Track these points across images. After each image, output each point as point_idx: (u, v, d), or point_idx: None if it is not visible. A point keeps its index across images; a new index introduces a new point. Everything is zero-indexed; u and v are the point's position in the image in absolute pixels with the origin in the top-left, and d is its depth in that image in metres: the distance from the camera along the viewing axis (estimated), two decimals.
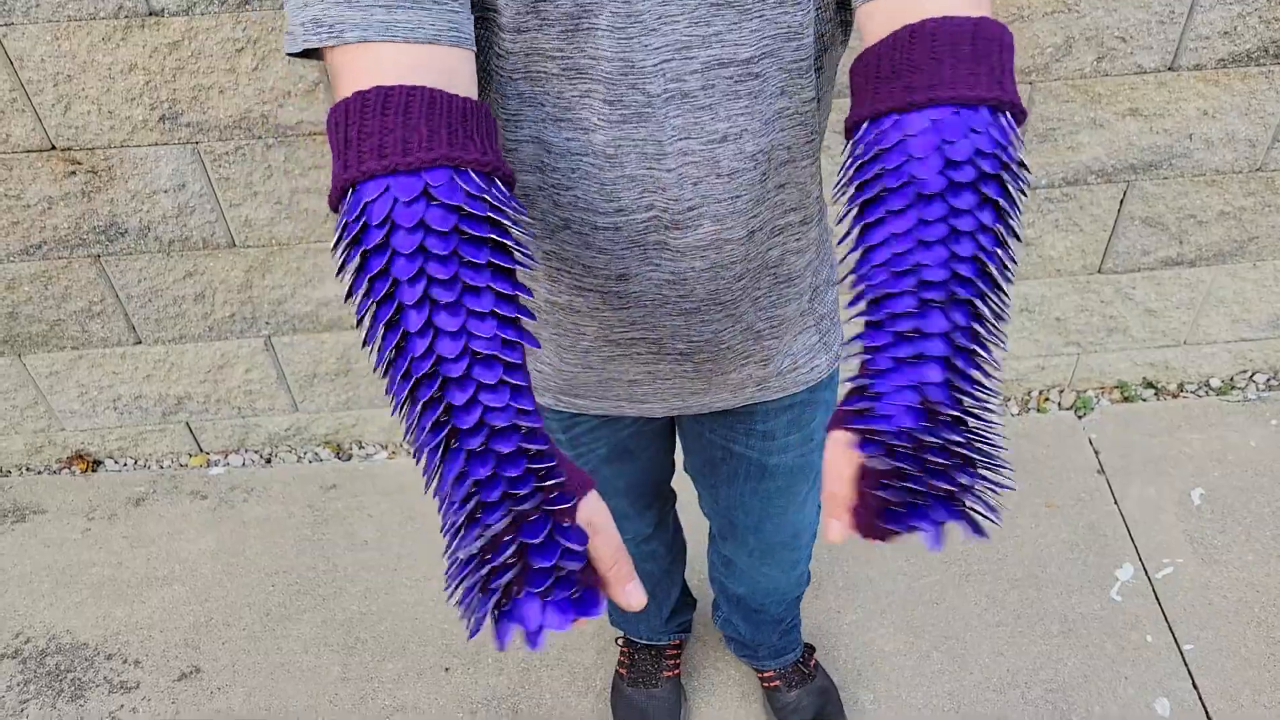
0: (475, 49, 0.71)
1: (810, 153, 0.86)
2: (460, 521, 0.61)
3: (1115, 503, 1.95)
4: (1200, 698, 1.67)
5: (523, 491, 0.62)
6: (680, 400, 1.04)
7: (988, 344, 0.64)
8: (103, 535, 2.00)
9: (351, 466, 2.10)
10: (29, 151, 1.62)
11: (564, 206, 0.83)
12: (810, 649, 1.68)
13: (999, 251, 0.64)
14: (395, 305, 0.62)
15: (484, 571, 0.60)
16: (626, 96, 0.76)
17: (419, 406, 0.62)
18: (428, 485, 0.63)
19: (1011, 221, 0.64)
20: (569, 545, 0.61)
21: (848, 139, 0.70)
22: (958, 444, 0.62)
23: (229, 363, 1.97)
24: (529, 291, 0.67)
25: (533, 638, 0.60)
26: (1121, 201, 1.85)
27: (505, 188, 0.67)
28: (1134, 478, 1.98)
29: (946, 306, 0.63)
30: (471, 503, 0.61)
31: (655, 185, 0.81)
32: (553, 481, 0.63)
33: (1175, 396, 2.15)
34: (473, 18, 0.71)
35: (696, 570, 1.88)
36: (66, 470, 2.13)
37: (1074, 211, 1.85)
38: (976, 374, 0.63)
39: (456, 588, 0.61)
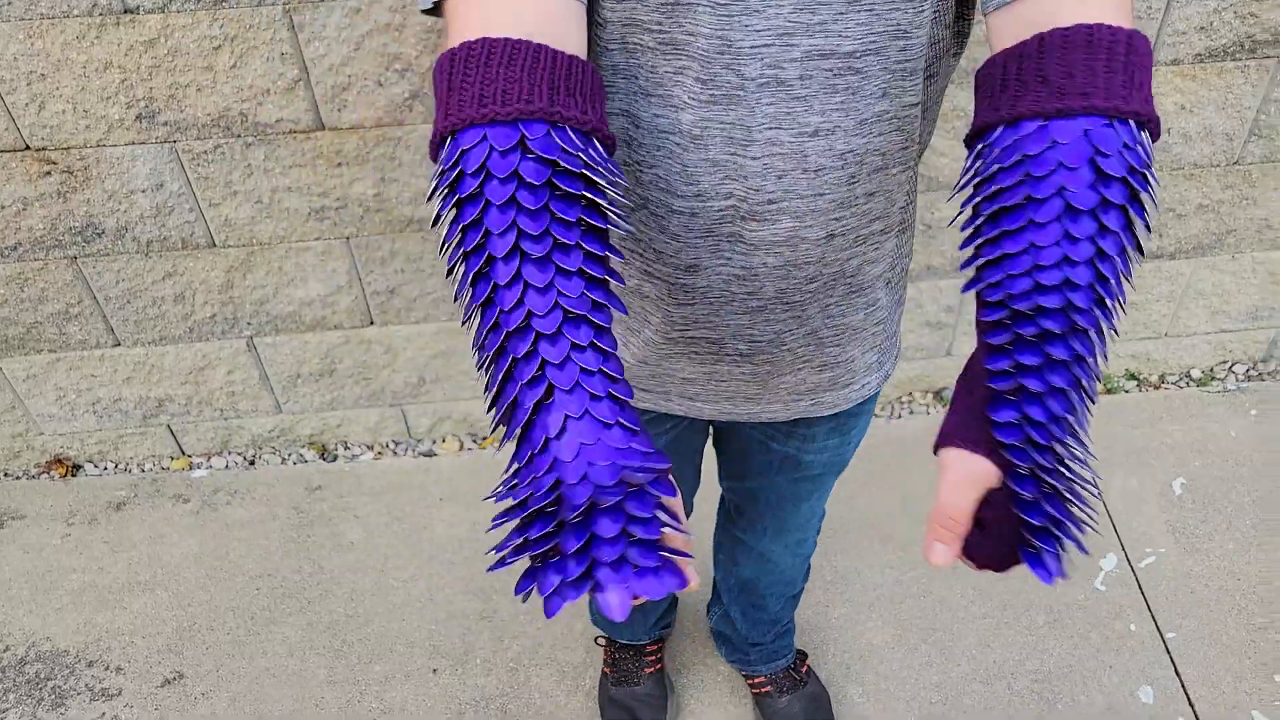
0: (585, 5, 0.71)
1: (904, 161, 0.84)
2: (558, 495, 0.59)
3: (1099, 493, 1.96)
4: (1183, 685, 1.69)
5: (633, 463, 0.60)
6: (732, 404, 1.01)
7: (1096, 376, 0.65)
8: (83, 540, 1.98)
9: (337, 467, 2.08)
10: (3, 151, 1.60)
11: (644, 185, 0.82)
12: (803, 655, 1.68)
13: (1125, 277, 0.64)
14: (485, 256, 0.62)
15: (576, 544, 0.57)
16: (720, 77, 0.74)
17: (511, 359, 0.61)
18: (508, 434, 0.62)
19: (1141, 244, 0.64)
20: (668, 522, 0.60)
21: (972, 143, 0.69)
22: (1071, 478, 0.62)
23: (210, 364, 1.95)
24: (620, 254, 0.66)
25: (617, 607, 0.58)
26: None
27: (604, 149, 0.66)
28: (1117, 469, 2.00)
29: (1075, 334, 0.62)
30: (577, 481, 0.59)
31: (738, 173, 0.78)
32: (656, 461, 0.61)
33: (1157, 388, 2.17)
34: None
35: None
36: (45, 475, 2.10)
37: None
38: (1090, 407, 0.64)
39: (525, 552, 0.59)
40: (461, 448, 2.11)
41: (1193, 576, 1.83)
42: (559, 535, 0.58)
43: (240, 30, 1.49)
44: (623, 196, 0.68)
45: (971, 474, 0.66)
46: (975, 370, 0.68)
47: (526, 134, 0.63)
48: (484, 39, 0.64)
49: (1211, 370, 2.19)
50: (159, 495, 2.05)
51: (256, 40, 1.50)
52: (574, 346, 0.61)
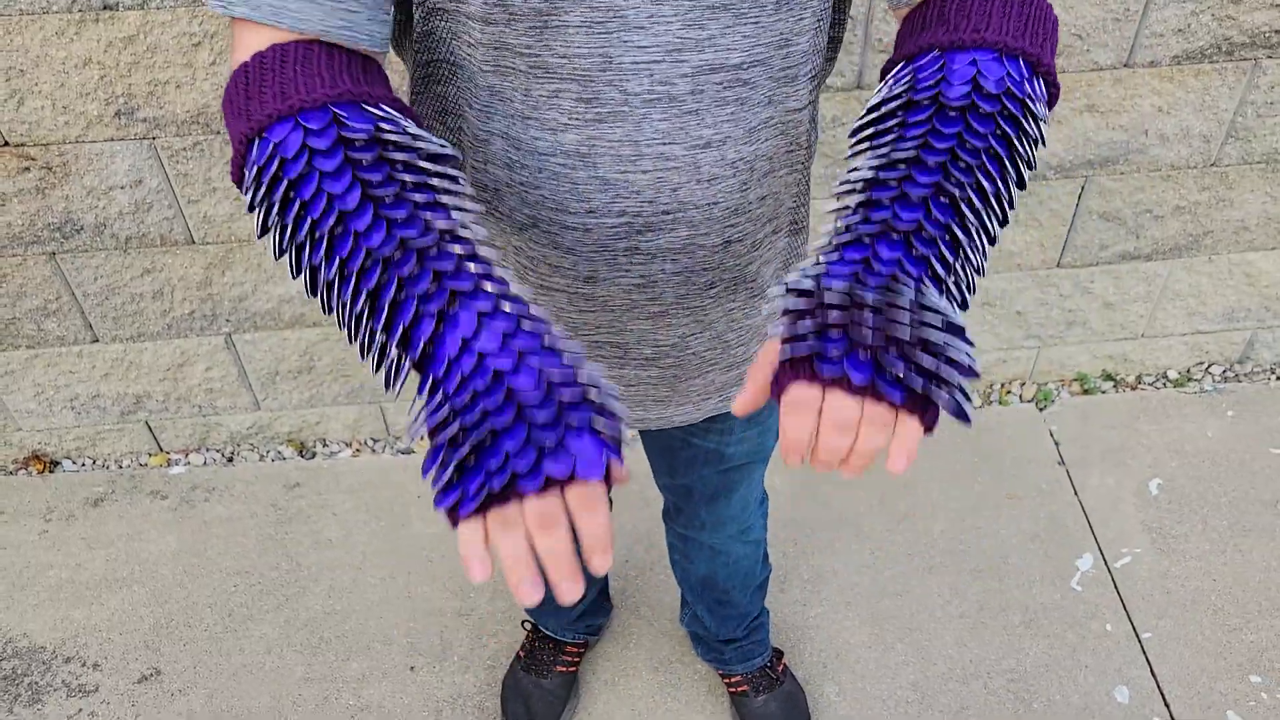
0: (379, 48, 0.71)
1: (790, 164, 0.85)
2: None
3: (1075, 494, 1.97)
4: (1158, 685, 1.70)
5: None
6: (643, 410, 1.02)
7: (961, 255, 0.63)
8: (60, 536, 1.97)
9: (315, 465, 2.08)
10: None
11: (532, 205, 0.82)
12: (779, 654, 1.68)
13: (999, 185, 0.65)
14: (336, 215, 0.60)
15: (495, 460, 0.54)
16: (603, 94, 0.74)
17: (393, 286, 0.59)
18: (409, 360, 0.59)
19: (1020, 164, 0.66)
20: (605, 399, 0.57)
21: (882, 80, 0.73)
22: (902, 315, 0.58)
23: (189, 361, 1.95)
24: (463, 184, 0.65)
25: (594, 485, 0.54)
26: (1079, 197, 1.87)
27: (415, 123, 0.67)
28: (1093, 469, 2.01)
29: (928, 210, 0.63)
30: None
31: (629, 189, 0.79)
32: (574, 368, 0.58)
33: (1134, 388, 2.18)
34: (386, 17, 0.71)
35: (648, 573, 1.89)
36: (23, 471, 2.09)
37: (1033, 207, 1.88)
38: (939, 269, 0.62)
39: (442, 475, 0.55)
40: None
41: (1169, 577, 1.84)
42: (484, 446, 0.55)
43: (220, 27, 1.49)
44: (454, 169, 0.66)
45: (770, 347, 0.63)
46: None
47: (339, 113, 0.63)
48: (274, 46, 0.65)
49: (1188, 371, 2.20)
50: (137, 492, 2.05)
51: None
52: (461, 256, 0.60)
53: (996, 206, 0.65)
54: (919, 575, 1.86)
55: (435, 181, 0.63)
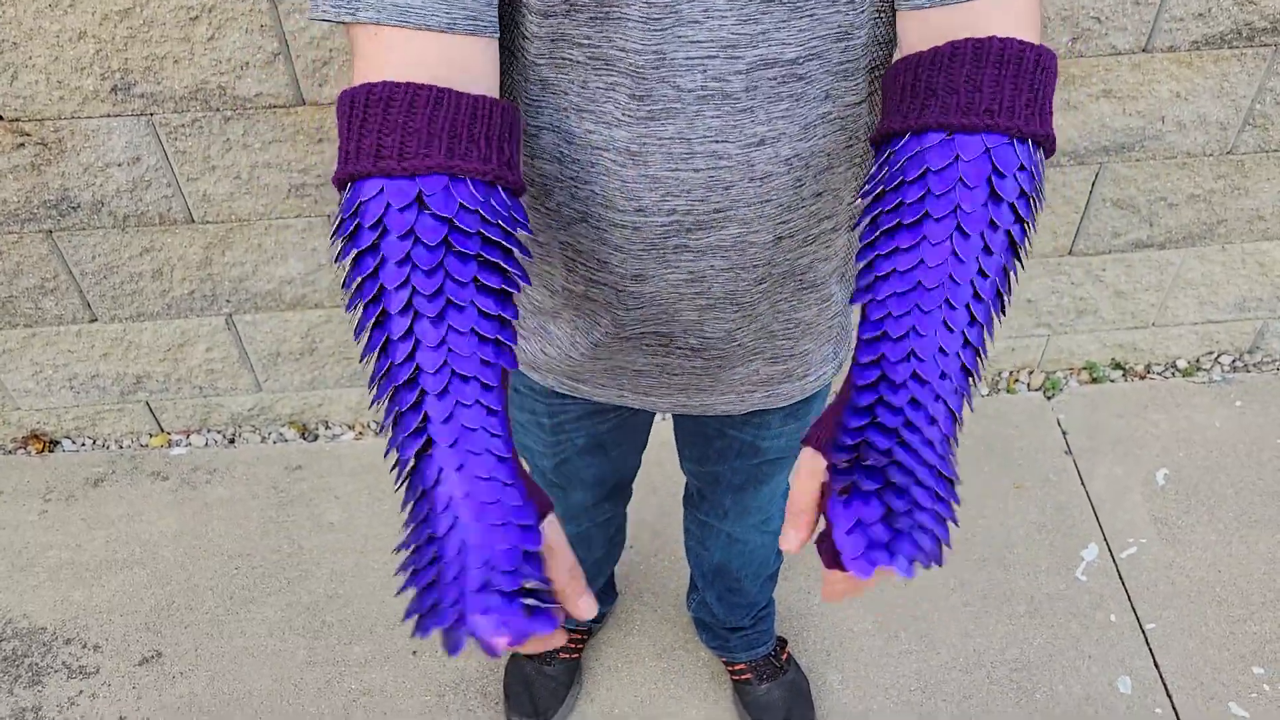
0: (498, 34, 0.69)
1: (850, 159, 0.83)
2: (423, 538, 0.62)
3: (1082, 483, 1.96)
4: (1161, 676, 1.70)
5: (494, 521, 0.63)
6: (685, 397, 1.01)
7: (973, 379, 0.66)
8: (60, 517, 1.96)
9: (317, 447, 2.07)
10: None
11: (582, 200, 0.80)
12: (783, 642, 1.68)
13: (1003, 293, 0.66)
14: (380, 309, 0.63)
15: (441, 584, 0.60)
16: (655, 91, 0.72)
17: (395, 411, 0.63)
18: (397, 482, 0.65)
19: (1019, 264, 0.66)
20: (532, 580, 0.62)
21: (878, 146, 0.69)
22: (930, 463, 0.63)
23: (189, 341, 1.92)
24: (515, 312, 0.67)
25: (490, 648, 0.59)
26: (1093, 184, 1.84)
27: (509, 197, 0.67)
28: (1101, 458, 2.00)
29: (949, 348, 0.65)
30: (436, 522, 0.62)
31: (680, 188, 0.77)
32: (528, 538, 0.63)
33: (1142, 378, 2.16)
34: (496, 2, 0.68)
35: (655, 561, 1.88)
36: (22, 450, 2.08)
37: (1047, 193, 1.85)
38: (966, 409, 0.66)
39: (413, 591, 0.62)
40: None
41: (1174, 567, 1.84)
42: (438, 583, 0.61)
43: (218, 1, 1.45)
44: (521, 249, 0.68)
45: (814, 470, 0.69)
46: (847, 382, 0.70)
47: (424, 189, 0.63)
48: (385, 83, 0.64)
49: (1197, 361, 2.18)
50: (137, 472, 2.03)
51: (235, 11, 1.46)
52: (459, 404, 0.63)
53: (999, 314, 0.67)
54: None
55: (479, 302, 0.64)
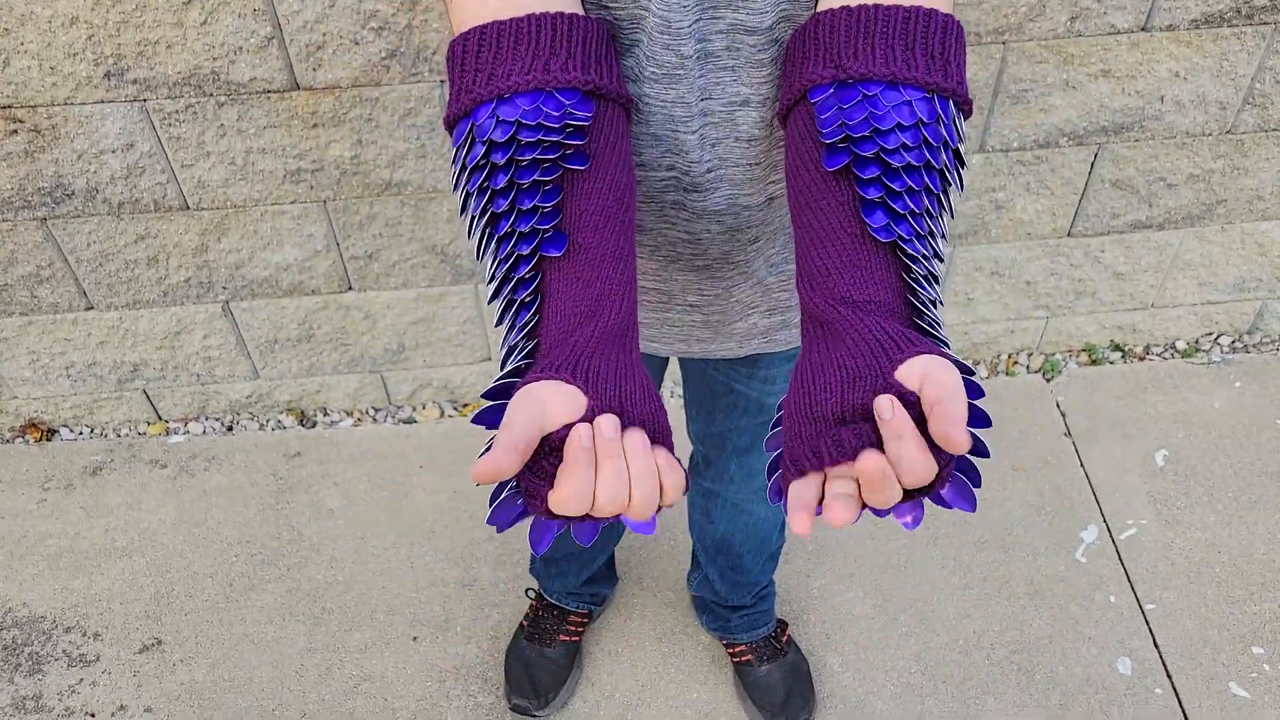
0: None
1: None
2: None
3: (1081, 465, 1.96)
4: (1161, 657, 1.70)
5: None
6: (686, 345, 1.06)
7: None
8: (59, 505, 1.96)
9: (316, 434, 2.06)
10: None
11: None
12: (783, 624, 1.68)
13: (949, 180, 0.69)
14: (489, 194, 0.69)
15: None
16: (660, 56, 0.77)
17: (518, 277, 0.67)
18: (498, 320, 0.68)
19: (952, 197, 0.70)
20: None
21: (800, 91, 0.72)
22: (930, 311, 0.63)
23: (186, 328, 1.92)
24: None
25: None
26: (1092, 164, 1.83)
27: (585, 102, 0.71)
28: (1100, 440, 2.00)
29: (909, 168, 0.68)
30: None
31: (678, 147, 0.81)
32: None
33: (1141, 359, 2.16)
34: None
35: (646, 550, 1.88)
36: (20, 439, 2.07)
37: (1045, 174, 1.84)
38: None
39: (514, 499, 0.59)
40: (442, 415, 2.09)
41: (1173, 549, 1.84)
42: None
43: None
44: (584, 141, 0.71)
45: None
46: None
47: (523, 104, 0.69)
48: (478, 29, 0.70)
49: (1196, 342, 2.18)
50: (136, 460, 2.03)
51: None
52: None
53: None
54: (923, 547, 1.85)
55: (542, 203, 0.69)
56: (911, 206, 0.66)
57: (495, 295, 0.67)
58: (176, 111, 1.58)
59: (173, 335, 1.93)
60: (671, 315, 1.01)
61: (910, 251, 0.64)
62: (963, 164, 0.71)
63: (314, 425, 2.08)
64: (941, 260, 0.68)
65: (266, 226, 1.76)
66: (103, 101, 1.56)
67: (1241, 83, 1.73)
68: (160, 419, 2.10)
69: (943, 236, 0.68)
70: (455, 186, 0.71)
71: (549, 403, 0.56)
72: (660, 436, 0.58)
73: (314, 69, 1.55)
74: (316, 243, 1.79)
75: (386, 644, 1.74)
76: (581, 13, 0.72)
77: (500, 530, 0.57)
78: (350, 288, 1.88)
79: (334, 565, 1.85)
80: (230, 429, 2.08)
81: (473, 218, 0.70)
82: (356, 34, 1.51)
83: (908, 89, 0.67)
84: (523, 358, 0.63)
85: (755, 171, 0.84)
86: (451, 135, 0.72)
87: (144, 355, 1.96)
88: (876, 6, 0.68)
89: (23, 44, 1.48)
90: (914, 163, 0.66)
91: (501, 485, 0.58)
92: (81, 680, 1.71)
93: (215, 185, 1.69)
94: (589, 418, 0.56)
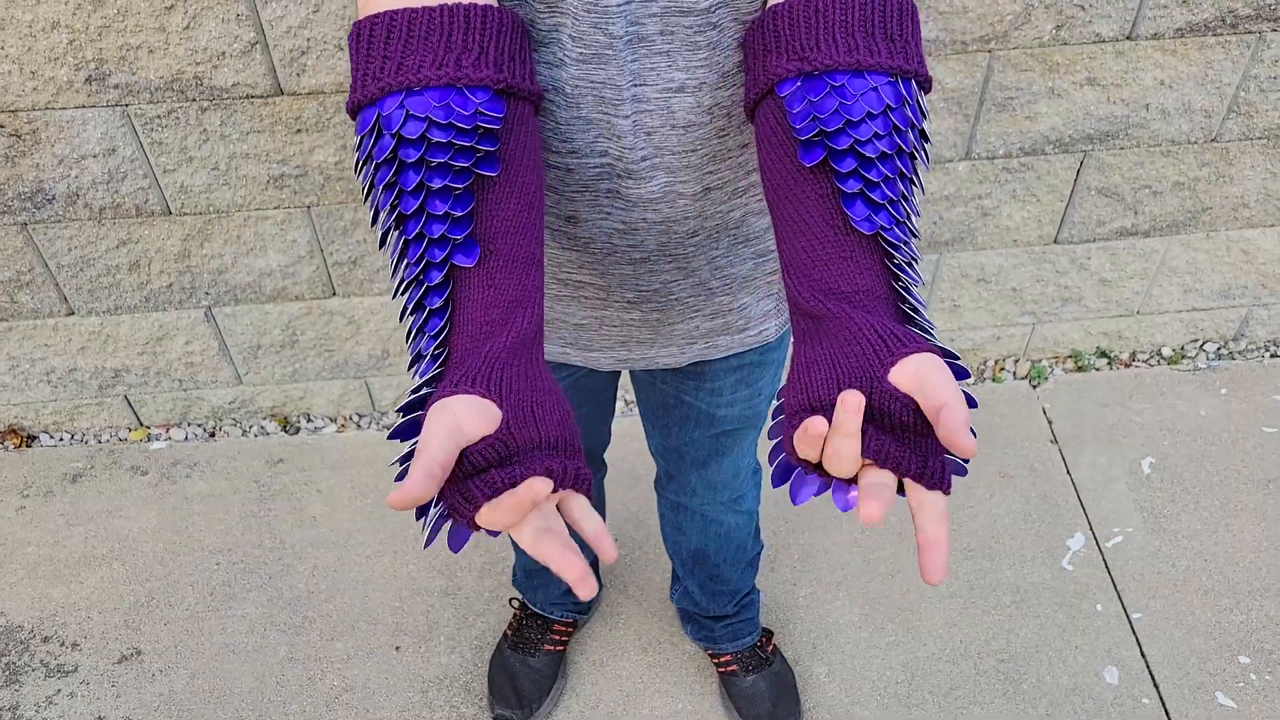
0: None
1: None
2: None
3: (1068, 472, 1.96)
4: (1148, 665, 1.69)
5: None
6: (626, 350, 1.03)
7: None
8: (38, 513, 1.93)
9: (299, 440, 2.05)
10: None
11: None
12: (768, 633, 1.67)
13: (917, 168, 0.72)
14: (397, 200, 0.69)
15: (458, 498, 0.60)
16: (588, 36, 0.75)
17: (425, 259, 0.68)
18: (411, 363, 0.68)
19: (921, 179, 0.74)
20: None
21: (764, 86, 0.72)
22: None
23: (168, 334, 1.90)
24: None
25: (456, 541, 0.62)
26: (1078, 172, 1.84)
27: (508, 99, 0.72)
28: (1086, 447, 2.00)
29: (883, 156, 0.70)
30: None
31: (610, 132, 0.79)
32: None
33: (1128, 366, 2.16)
34: None
35: (641, 557, 1.87)
36: (0, 445, 2.05)
37: (1031, 182, 1.84)
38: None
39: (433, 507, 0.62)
40: None
41: (1160, 556, 1.83)
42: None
43: None
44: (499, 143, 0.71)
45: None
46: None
47: (433, 100, 0.68)
48: (387, 14, 0.68)
49: (1182, 349, 2.18)
50: (116, 467, 2.01)
51: (210, 1, 1.44)
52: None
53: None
54: (910, 555, 1.84)
55: (454, 211, 0.69)
56: (889, 194, 0.67)
57: (404, 296, 0.68)
58: (159, 116, 1.57)
59: (155, 341, 1.91)
60: (609, 314, 0.98)
61: (890, 239, 0.66)
62: (927, 140, 0.73)
63: (297, 431, 2.07)
64: (918, 238, 0.70)
65: (249, 232, 1.74)
66: (84, 106, 1.54)
67: (1226, 91, 1.74)
68: (142, 425, 2.08)
69: (917, 215, 0.71)
70: (358, 172, 0.71)
71: (463, 417, 0.57)
72: (572, 455, 0.61)
73: (298, 74, 1.54)
74: (300, 248, 1.78)
75: (369, 653, 1.73)
76: (495, 2, 0.71)
77: (428, 545, 0.59)
78: (334, 293, 1.87)
79: (316, 574, 1.83)
80: (213, 435, 2.06)
81: (376, 208, 0.69)
82: (341, 39, 1.50)
83: (873, 75, 0.68)
84: (436, 367, 0.64)
85: (692, 159, 0.82)
86: (355, 121, 0.71)
87: (125, 361, 1.94)
88: None
89: (3, 48, 1.46)
90: (886, 150, 0.68)
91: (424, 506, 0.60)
92: (59, 691, 1.69)
93: (198, 190, 1.67)
94: (503, 431, 0.58)
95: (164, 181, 1.66)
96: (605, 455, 1.66)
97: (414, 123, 0.67)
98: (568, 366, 1.13)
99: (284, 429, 2.07)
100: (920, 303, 0.65)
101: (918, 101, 0.71)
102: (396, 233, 0.69)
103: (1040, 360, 2.17)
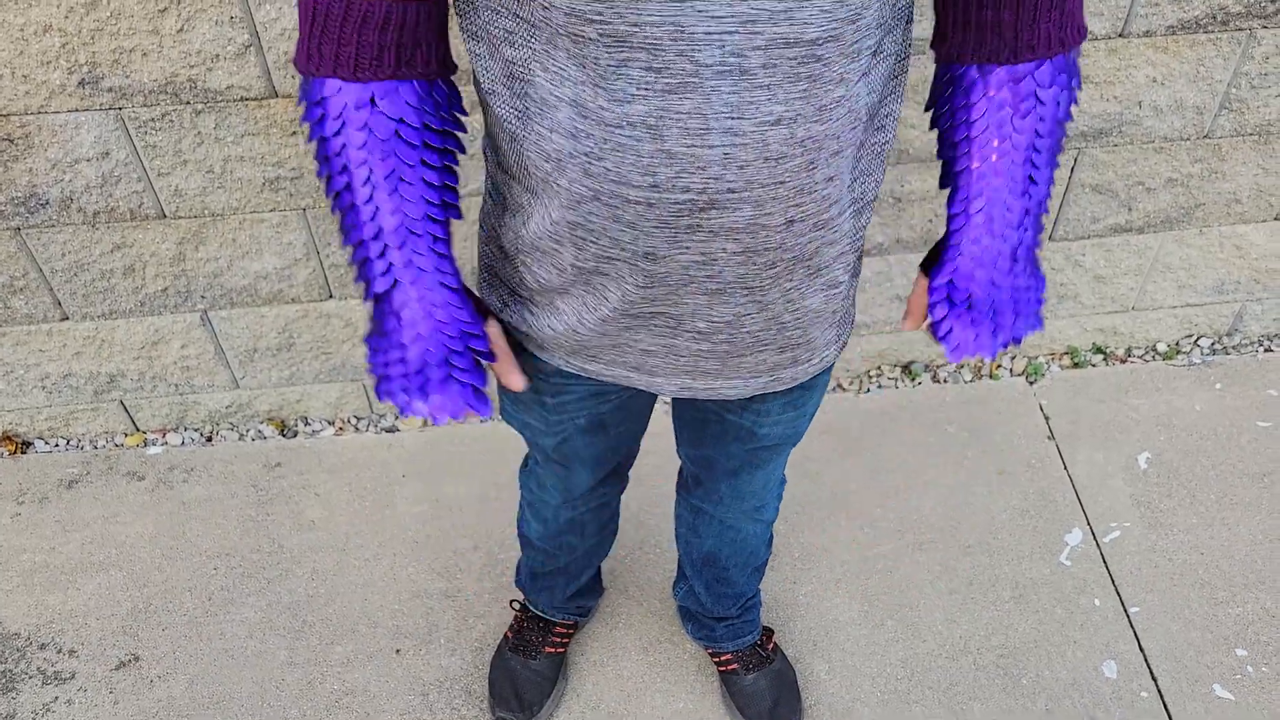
0: None
1: (854, 143, 0.84)
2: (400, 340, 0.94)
3: (1065, 468, 1.97)
4: (1146, 659, 1.70)
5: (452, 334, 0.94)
6: (691, 379, 1.02)
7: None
8: (34, 519, 1.92)
9: (297, 444, 2.04)
10: None
11: (594, 177, 0.81)
12: (769, 632, 1.67)
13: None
14: (346, 182, 0.85)
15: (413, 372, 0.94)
16: (673, 65, 0.73)
17: (364, 257, 0.90)
18: (366, 299, 0.93)
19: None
20: (479, 346, 0.95)
21: (942, 60, 0.92)
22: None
23: (163, 338, 1.89)
24: (456, 178, 0.89)
25: (433, 416, 0.95)
26: (1072, 169, 1.84)
27: (447, 85, 0.87)
28: (1083, 443, 2.01)
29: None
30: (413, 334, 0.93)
31: (695, 164, 0.78)
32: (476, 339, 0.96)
33: (1123, 362, 2.17)
34: None
35: (637, 554, 1.87)
36: None
37: None
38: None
39: (387, 384, 0.96)
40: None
41: (1157, 551, 1.84)
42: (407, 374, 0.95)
43: None
44: (459, 128, 0.87)
45: (922, 288, 1.06)
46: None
47: (375, 93, 0.81)
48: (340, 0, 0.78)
49: (1177, 344, 2.19)
50: (112, 473, 2.00)
51: (204, 3, 1.44)
52: (415, 252, 0.88)
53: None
54: (909, 552, 1.85)
55: (426, 176, 0.88)
56: (1057, 163, 0.92)
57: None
58: (152, 120, 1.56)
59: (150, 345, 1.90)
60: (679, 343, 0.96)
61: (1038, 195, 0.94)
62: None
63: (295, 435, 2.06)
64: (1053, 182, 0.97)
65: (245, 235, 1.74)
66: (77, 110, 1.54)
67: (1218, 88, 1.75)
68: (138, 430, 2.07)
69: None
70: (313, 135, 0.84)
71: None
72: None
73: (293, 76, 1.54)
74: (296, 251, 1.77)
75: (369, 657, 1.72)
76: None
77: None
78: (331, 296, 1.86)
79: (315, 577, 1.83)
80: (209, 440, 2.06)
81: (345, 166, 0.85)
82: None
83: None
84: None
85: (780, 191, 0.81)
86: (299, 72, 0.82)
87: (121, 366, 1.93)
88: None
89: None
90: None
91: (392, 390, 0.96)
92: (56, 699, 1.68)
93: (192, 194, 1.67)
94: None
95: (158, 185, 1.65)
96: None
97: (385, 122, 0.84)
98: (608, 392, 1.12)
99: (281, 432, 2.07)
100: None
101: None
102: (386, 185, 0.87)
103: (1037, 357, 2.17)
